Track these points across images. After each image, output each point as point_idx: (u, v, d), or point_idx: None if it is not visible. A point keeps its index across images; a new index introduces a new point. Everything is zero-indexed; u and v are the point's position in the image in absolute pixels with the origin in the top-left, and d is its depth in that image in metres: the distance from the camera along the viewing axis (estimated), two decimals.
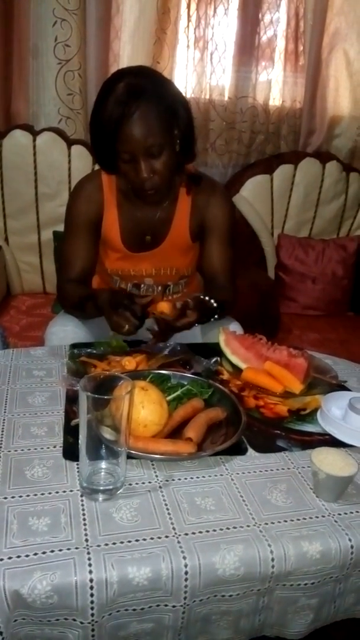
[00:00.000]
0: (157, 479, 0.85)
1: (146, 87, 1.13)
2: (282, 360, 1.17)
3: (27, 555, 0.69)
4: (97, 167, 2.01)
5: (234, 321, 1.43)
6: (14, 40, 2.03)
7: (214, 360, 1.20)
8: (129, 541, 0.73)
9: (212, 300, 1.24)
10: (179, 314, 1.14)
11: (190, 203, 1.35)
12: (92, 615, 0.68)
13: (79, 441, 0.80)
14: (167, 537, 0.74)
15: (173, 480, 0.85)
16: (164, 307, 1.14)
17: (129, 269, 1.39)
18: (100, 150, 1.21)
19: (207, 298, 1.25)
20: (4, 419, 0.97)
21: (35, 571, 0.67)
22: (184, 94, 1.27)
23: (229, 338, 1.23)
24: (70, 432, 0.93)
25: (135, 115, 1.11)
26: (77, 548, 0.71)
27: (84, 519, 0.76)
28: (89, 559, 0.69)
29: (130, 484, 0.83)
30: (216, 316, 1.26)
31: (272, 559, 0.74)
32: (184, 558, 0.71)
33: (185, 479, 0.86)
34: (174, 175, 1.26)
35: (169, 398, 1.00)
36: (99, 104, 1.16)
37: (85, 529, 0.74)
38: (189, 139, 1.24)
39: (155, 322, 1.17)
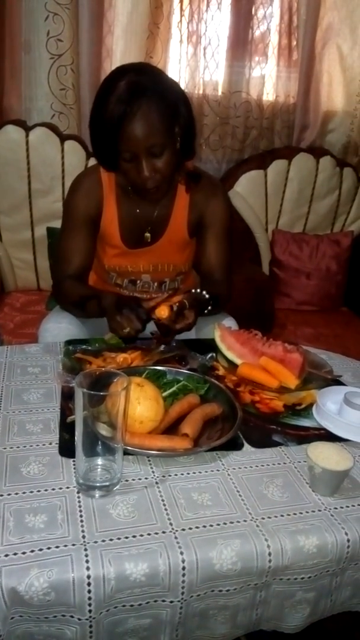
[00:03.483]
0: (154, 475, 0.85)
1: (148, 85, 1.12)
2: (277, 355, 1.17)
3: (23, 553, 0.69)
4: (90, 163, 2.02)
5: (228, 317, 1.43)
6: (5, 35, 2.01)
7: (209, 356, 1.20)
8: (126, 537, 0.73)
9: (204, 292, 1.25)
10: (177, 316, 1.13)
11: (188, 199, 1.35)
12: (90, 611, 0.68)
13: (75, 438, 0.80)
14: (164, 532, 0.74)
15: (170, 476, 0.85)
16: (162, 312, 1.13)
17: (127, 265, 1.38)
18: (100, 148, 1.20)
19: (198, 291, 1.25)
20: None
21: (32, 568, 0.67)
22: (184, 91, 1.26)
23: (224, 334, 1.23)
24: (66, 428, 0.92)
25: (138, 114, 1.10)
26: (74, 545, 0.71)
27: (81, 516, 0.76)
28: (86, 555, 0.69)
29: (126, 480, 0.83)
30: (209, 307, 1.26)
31: (269, 554, 0.74)
32: (181, 553, 0.71)
33: (182, 474, 0.86)
34: (174, 173, 1.25)
35: (164, 394, 1.00)
36: (99, 102, 1.14)
37: (82, 526, 0.74)
38: (189, 137, 1.23)
39: (156, 326, 1.16)
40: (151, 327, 1.18)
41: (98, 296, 1.24)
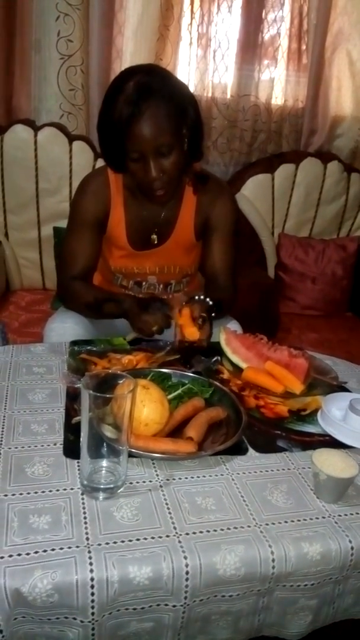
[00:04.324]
0: (158, 478, 0.85)
1: (156, 86, 1.12)
2: (282, 360, 1.17)
3: (27, 554, 0.69)
4: (98, 163, 2.02)
5: (233, 320, 1.43)
6: (16, 35, 2.02)
7: (214, 359, 1.20)
8: (130, 540, 0.73)
9: (207, 299, 1.24)
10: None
11: (195, 202, 1.35)
12: (93, 614, 0.68)
13: (81, 439, 0.80)
14: (168, 536, 0.74)
15: (174, 479, 0.85)
16: (194, 334, 1.13)
17: (133, 267, 1.38)
18: (108, 149, 1.20)
19: (201, 297, 1.24)
20: (4, 416, 0.96)
21: (35, 569, 0.67)
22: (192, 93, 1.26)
23: (229, 337, 1.23)
24: (71, 429, 0.92)
25: (146, 114, 1.10)
26: (77, 547, 0.71)
27: (85, 518, 0.76)
28: (90, 557, 0.69)
29: (131, 483, 0.83)
30: (213, 314, 1.26)
31: (273, 560, 0.74)
32: (185, 558, 0.71)
33: (186, 478, 0.86)
34: (182, 175, 1.25)
35: (169, 397, 1.00)
36: (108, 103, 1.15)
37: (86, 528, 0.74)
38: (197, 138, 1.24)
39: (184, 348, 1.16)
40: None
41: (117, 299, 1.26)
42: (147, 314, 1.16)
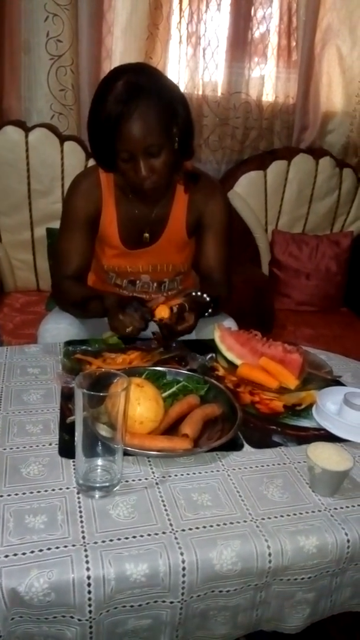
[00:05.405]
0: (154, 476, 0.85)
1: (145, 85, 1.12)
2: (277, 356, 1.17)
3: (23, 553, 0.69)
4: (90, 163, 2.02)
5: (228, 317, 1.43)
6: (5, 36, 2.01)
7: (209, 356, 1.20)
8: (126, 538, 0.73)
9: (205, 295, 1.25)
10: (178, 318, 1.14)
11: (187, 200, 1.35)
12: (90, 612, 0.68)
13: (75, 438, 0.80)
14: (164, 533, 0.74)
15: (169, 476, 0.85)
16: (163, 312, 1.13)
17: (126, 265, 1.38)
18: (98, 149, 1.20)
19: (199, 293, 1.25)
20: None
21: (32, 569, 0.67)
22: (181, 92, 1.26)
23: (224, 334, 1.23)
24: (66, 429, 0.92)
25: (135, 114, 1.10)
26: (74, 545, 0.71)
27: (81, 516, 0.76)
28: (86, 556, 0.69)
29: (126, 481, 0.83)
30: (210, 310, 1.27)
31: (269, 554, 0.74)
32: (182, 554, 0.71)
33: (182, 475, 0.86)
34: (172, 174, 1.25)
35: (164, 394, 1.00)
36: (97, 102, 1.15)
37: (82, 526, 0.74)
38: (187, 137, 1.23)
39: (159, 328, 1.16)
40: (152, 327, 1.18)
41: (100, 296, 1.25)
42: (124, 313, 1.13)
